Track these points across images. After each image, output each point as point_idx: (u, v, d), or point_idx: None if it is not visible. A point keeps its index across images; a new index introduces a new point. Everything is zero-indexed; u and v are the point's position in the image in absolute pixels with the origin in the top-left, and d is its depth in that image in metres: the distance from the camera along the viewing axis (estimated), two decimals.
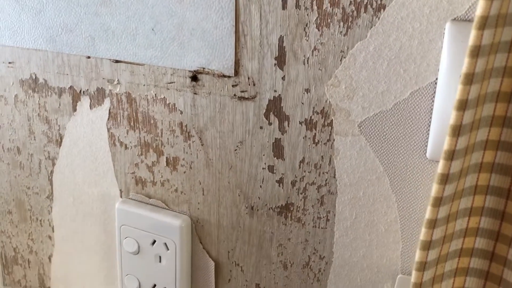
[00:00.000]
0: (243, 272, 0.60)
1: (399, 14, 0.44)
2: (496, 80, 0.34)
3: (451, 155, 0.33)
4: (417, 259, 0.37)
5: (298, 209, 0.54)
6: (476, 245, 0.38)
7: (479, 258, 0.39)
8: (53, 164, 0.68)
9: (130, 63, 0.57)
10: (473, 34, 0.31)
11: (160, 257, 0.62)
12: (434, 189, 0.34)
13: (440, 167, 0.34)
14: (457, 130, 0.33)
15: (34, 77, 0.65)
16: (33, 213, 0.73)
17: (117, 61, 0.58)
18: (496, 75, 0.34)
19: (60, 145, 0.66)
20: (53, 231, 0.72)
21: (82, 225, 0.69)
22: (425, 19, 0.43)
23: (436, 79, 0.44)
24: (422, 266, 0.36)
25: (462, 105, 0.32)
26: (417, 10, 0.43)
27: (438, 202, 0.34)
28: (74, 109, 0.63)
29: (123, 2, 0.55)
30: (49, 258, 0.74)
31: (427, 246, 0.36)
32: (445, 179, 0.34)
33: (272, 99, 0.52)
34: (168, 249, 0.61)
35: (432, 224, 0.35)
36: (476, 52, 0.31)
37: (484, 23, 0.31)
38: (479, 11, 0.30)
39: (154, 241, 0.61)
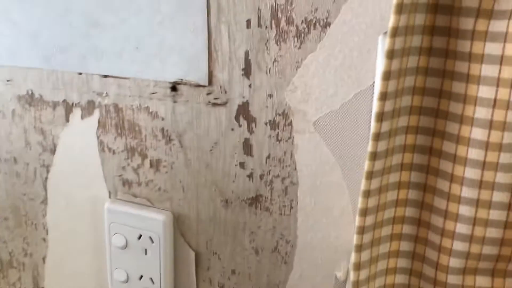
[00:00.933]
0: (220, 260, 0.68)
1: (341, 30, 0.53)
2: (411, 77, 0.43)
3: (377, 137, 0.42)
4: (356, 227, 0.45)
5: (266, 199, 0.62)
6: (406, 213, 0.47)
7: (409, 224, 0.47)
8: (48, 171, 0.75)
9: (117, 77, 0.66)
10: (387, 41, 0.40)
11: (146, 250, 0.69)
12: (365, 165, 0.43)
13: (369, 147, 0.43)
14: (380, 117, 0.42)
15: (30, 93, 0.73)
16: (28, 218, 0.80)
17: (105, 76, 0.67)
18: (410, 73, 0.43)
19: (54, 153, 0.74)
20: (47, 234, 0.79)
21: (74, 226, 0.76)
22: (363, 33, 0.52)
23: (374, 82, 0.53)
24: (361, 231, 0.45)
25: (383, 96, 0.41)
26: (356, 26, 0.53)
27: (369, 175, 0.43)
28: (67, 120, 0.71)
29: (111, 24, 0.64)
30: (43, 259, 0.81)
31: (363, 213, 0.44)
32: (373, 157, 0.43)
33: (241, 104, 0.60)
34: (153, 242, 0.68)
35: (367, 194, 0.44)
36: (391, 54, 0.40)
37: (395, 32, 0.40)
38: (390, 23, 0.40)
39: (140, 236, 0.69)
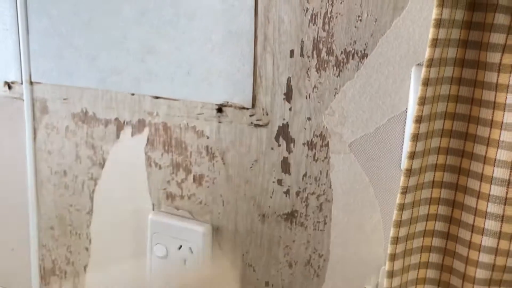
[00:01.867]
0: (255, 271, 0.72)
1: (378, 61, 0.59)
2: (443, 103, 0.48)
3: (412, 155, 0.47)
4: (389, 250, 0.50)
5: (301, 215, 0.67)
6: (436, 227, 0.51)
7: (438, 238, 0.52)
8: (95, 184, 0.81)
9: (168, 98, 0.72)
10: (423, 70, 0.46)
11: (185, 260, 0.74)
12: (401, 181, 0.48)
13: (404, 165, 0.47)
14: (415, 137, 0.47)
15: (84, 111, 0.79)
16: (73, 228, 0.85)
17: (157, 97, 0.73)
18: (443, 100, 0.48)
19: (102, 168, 0.80)
20: (90, 243, 0.84)
21: (117, 237, 0.82)
22: (397, 64, 0.58)
23: (406, 108, 0.58)
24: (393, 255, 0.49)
25: (418, 119, 0.46)
26: (391, 58, 0.58)
27: (404, 190, 0.48)
28: (118, 137, 0.77)
29: (166, 51, 0.71)
30: (84, 268, 0.86)
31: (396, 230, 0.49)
32: (408, 173, 0.48)
33: (281, 125, 0.66)
34: (192, 253, 0.73)
35: (401, 207, 0.48)
36: (426, 82, 0.46)
37: (430, 63, 0.45)
38: (426, 54, 0.45)
39: (181, 246, 0.74)
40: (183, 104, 0.71)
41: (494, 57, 0.46)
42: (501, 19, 0.44)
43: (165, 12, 0.69)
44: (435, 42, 0.45)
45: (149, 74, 0.73)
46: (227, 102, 0.68)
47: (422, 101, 0.46)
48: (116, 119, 0.77)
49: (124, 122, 0.76)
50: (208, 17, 0.67)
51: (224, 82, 0.68)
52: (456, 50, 0.47)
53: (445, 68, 0.47)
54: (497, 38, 0.45)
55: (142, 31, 0.71)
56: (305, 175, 0.66)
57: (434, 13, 0.44)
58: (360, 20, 0.59)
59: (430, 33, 0.45)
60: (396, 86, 0.59)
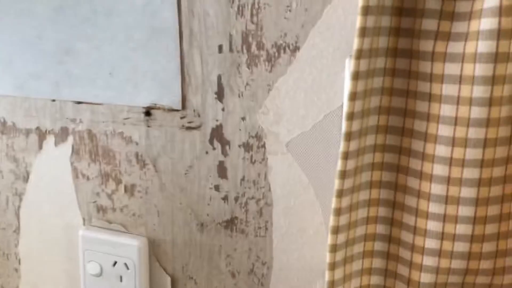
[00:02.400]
0: (197, 284, 0.67)
1: (310, 53, 0.55)
2: (376, 97, 0.45)
3: (345, 156, 0.43)
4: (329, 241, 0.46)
5: (241, 221, 0.63)
6: (377, 230, 0.48)
7: (379, 241, 0.48)
8: (20, 200, 0.74)
9: (91, 103, 0.66)
10: (352, 63, 0.42)
11: (121, 276, 0.68)
12: (335, 183, 0.44)
13: (338, 166, 0.44)
14: (348, 136, 0.43)
15: (2, 121, 0.72)
16: (0, 248, 0.78)
17: (79, 102, 0.67)
18: (376, 93, 0.45)
19: (27, 181, 0.73)
20: (19, 264, 0.78)
21: (47, 255, 0.75)
22: (330, 56, 0.54)
23: (342, 103, 0.54)
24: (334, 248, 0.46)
25: (350, 116, 0.43)
26: (324, 50, 0.54)
27: (340, 193, 0.44)
28: (40, 147, 0.71)
29: (85, 51, 0.64)
30: None
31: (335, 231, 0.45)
32: (343, 175, 0.44)
33: (214, 127, 0.61)
34: (128, 269, 0.67)
35: (337, 212, 0.44)
36: (356, 76, 0.42)
37: (359, 55, 0.41)
38: (354, 46, 0.41)
39: (115, 262, 0.68)
40: (107, 108, 0.65)
41: (427, 45, 0.42)
42: (432, 3, 0.41)
43: (81, 9, 0.63)
44: (363, 31, 0.41)
45: (68, 77, 0.66)
46: (155, 104, 0.63)
47: (353, 96, 0.42)
48: (37, 128, 0.70)
49: (46, 131, 0.70)
50: (128, 13, 0.61)
51: (150, 83, 0.62)
52: (387, 39, 0.44)
53: (376, 59, 0.43)
54: (429, 24, 0.42)
55: (57, 30, 0.65)
56: (243, 179, 0.61)
57: (360, 2, 0.40)
58: (290, 11, 0.55)
59: (358, 21, 0.41)
60: (331, 80, 0.55)
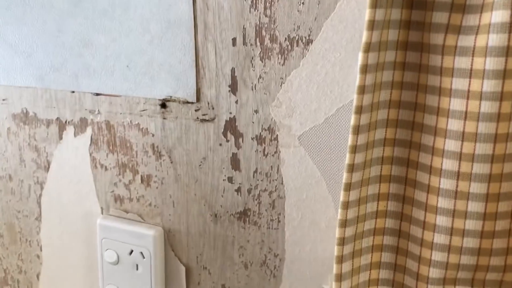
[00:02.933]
0: (210, 274, 0.68)
1: (323, 47, 0.55)
2: (386, 91, 0.44)
3: (353, 150, 0.43)
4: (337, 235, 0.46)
5: (254, 213, 0.63)
6: (386, 225, 0.48)
7: (389, 235, 0.48)
8: (42, 188, 0.77)
9: (109, 95, 0.67)
10: (360, 56, 0.41)
11: (137, 265, 0.70)
12: (344, 177, 0.44)
13: (346, 160, 0.44)
14: (356, 130, 0.43)
15: (25, 111, 0.74)
16: (23, 235, 0.81)
17: (97, 94, 0.68)
18: (385, 87, 0.44)
19: (47, 171, 0.75)
20: (41, 250, 0.80)
21: (67, 243, 0.77)
22: (344, 50, 0.54)
23: None
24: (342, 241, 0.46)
25: (358, 110, 0.42)
26: (337, 43, 0.54)
27: (348, 187, 0.44)
28: (60, 138, 0.73)
29: (103, 44, 0.66)
30: (37, 276, 0.82)
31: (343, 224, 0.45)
32: (351, 169, 0.44)
33: (228, 120, 0.62)
34: (144, 257, 0.69)
35: (346, 205, 0.45)
36: (364, 69, 0.42)
37: (368, 48, 0.41)
38: (363, 38, 0.41)
39: (132, 251, 0.70)
40: (125, 100, 0.67)
41: (437, 39, 0.42)
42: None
43: (99, 2, 0.64)
44: (372, 24, 0.41)
45: (87, 69, 0.68)
46: (171, 96, 0.64)
47: (362, 89, 0.42)
48: (58, 119, 0.72)
49: (66, 122, 0.72)
50: (144, 6, 0.62)
51: (166, 75, 0.63)
52: (398, 32, 0.43)
53: (386, 53, 0.43)
54: (440, 17, 0.41)
55: (76, 23, 0.66)
56: (255, 171, 0.62)
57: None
58: (303, 3, 0.54)
59: (366, 14, 0.41)
60: (344, 73, 0.55)
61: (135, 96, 0.66)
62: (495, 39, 0.38)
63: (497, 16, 0.38)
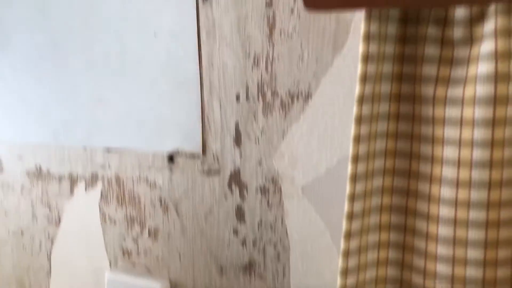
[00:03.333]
0: None
1: (322, 100, 0.57)
2: (382, 141, 0.46)
3: (352, 197, 0.44)
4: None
5: (259, 266, 0.64)
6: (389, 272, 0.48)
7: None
8: (52, 243, 0.78)
9: (119, 150, 0.70)
10: (355, 107, 0.43)
11: None
12: (343, 225, 0.45)
13: (345, 207, 0.45)
14: (353, 178, 0.44)
15: (39, 168, 0.77)
16: None
17: (108, 149, 0.71)
18: (380, 137, 0.46)
19: (58, 226, 0.77)
20: None
21: None
22: (341, 103, 0.56)
23: None
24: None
25: (355, 159, 0.44)
26: (334, 97, 0.56)
27: (348, 235, 0.45)
28: (72, 193, 0.75)
29: (115, 102, 0.69)
30: None
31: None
32: (350, 217, 0.45)
33: (232, 171, 0.63)
34: None
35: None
36: (359, 120, 0.44)
37: (361, 100, 0.43)
38: (356, 91, 0.43)
39: None
40: (134, 155, 0.69)
41: (428, 90, 0.44)
42: (432, 49, 0.43)
43: (112, 63, 0.68)
44: (364, 77, 0.43)
45: (99, 125, 0.71)
46: (178, 150, 0.66)
47: (357, 139, 0.44)
48: (70, 174, 0.74)
49: (77, 177, 0.74)
50: (154, 67, 0.66)
51: (173, 130, 0.66)
52: (390, 84, 0.45)
53: (379, 104, 0.45)
54: (430, 69, 0.43)
55: (90, 82, 0.70)
56: (260, 222, 0.63)
57: (361, 49, 0.43)
58: (302, 61, 0.57)
59: (359, 68, 0.43)
60: (342, 125, 0.56)
61: (144, 150, 0.68)
62: (483, 89, 0.40)
63: (483, 67, 0.40)
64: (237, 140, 0.62)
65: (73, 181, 0.74)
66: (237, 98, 0.62)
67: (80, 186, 0.74)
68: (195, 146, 0.65)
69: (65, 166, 0.75)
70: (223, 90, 0.62)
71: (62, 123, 0.73)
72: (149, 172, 0.68)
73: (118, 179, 0.71)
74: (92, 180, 0.73)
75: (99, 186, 0.72)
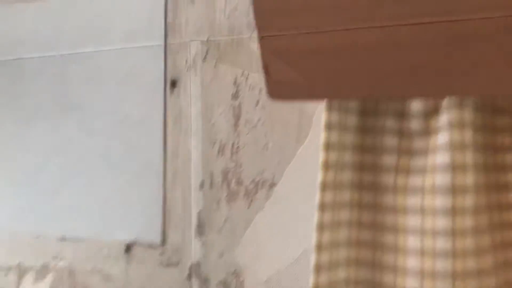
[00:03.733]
0: None
1: (286, 189, 0.57)
2: (345, 229, 0.45)
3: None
4: None
5: None
6: None
7: None
8: None
9: (74, 239, 0.67)
10: (317, 195, 0.43)
11: None
12: None
13: None
14: (317, 268, 0.43)
15: None
16: None
17: (63, 238, 0.67)
18: (344, 226, 0.45)
19: None
20: None
21: None
22: (306, 191, 0.56)
23: None
24: None
25: (319, 248, 0.43)
26: (298, 186, 0.56)
27: None
28: (19, 285, 0.69)
29: (74, 188, 0.67)
30: None
31: None
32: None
33: (193, 264, 0.60)
34: None
35: None
36: (322, 208, 0.43)
37: (324, 187, 0.43)
38: (319, 178, 0.43)
39: None
40: (90, 244, 0.66)
41: (388, 179, 0.44)
42: (390, 140, 0.44)
43: (75, 148, 0.67)
44: (326, 165, 0.43)
45: (56, 213, 0.68)
46: (136, 240, 0.63)
47: (321, 227, 0.43)
48: (19, 264, 0.70)
49: (26, 268, 0.69)
50: (118, 153, 0.65)
51: (133, 219, 0.64)
52: (351, 172, 0.46)
53: (341, 192, 0.45)
54: (389, 159, 0.44)
55: (52, 167, 0.68)
56: None
57: (322, 138, 0.43)
58: (267, 149, 0.58)
59: (320, 156, 0.43)
60: (307, 214, 0.56)
61: (100, 240, 0.65)
62: (441, 178, 0.41)
63: (441, 158, 0.41)
64: (199, 230, 0.61)
65: (21, 273, 0.69)
66: (201, 186, 0.61)
67: (29, 278, 0.69)
68: (155, 236, 0.62)
69: (15, 256, 0.70)
70: (186, 178, 0.61)
71: (17, 209, 0.70)
72: (104, 264, 0.65)
73: (70, 271, 0.67)
74: (42, 272, 0.68)
75: (48, 279, 0.68)
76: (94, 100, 0.66)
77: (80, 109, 0.67)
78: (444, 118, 0.42)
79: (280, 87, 0.39)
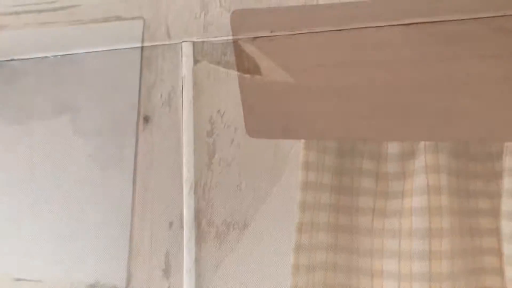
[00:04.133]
0: None
1: (259, 230, 0.56)
2: (321, 272, 0.44)
3: None
4: None
5: None
6: None
7: None
8: None
9: (31, 280, 0.63)
10: (295, 234, 0.42)
11: None
12: None
13: None
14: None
15: None
16: None
17: (18, 279, 0.63)
18: (320, 268, 0.44)
19: None
20: None
21: None
22: (279, 231, 0.55)
23: None
24: None
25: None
26: (271, 226, 0.55)
27: None
28: None
29: (33, 227, 0.63)
30: None
31: None
32: None
33: None
34: None
35: None
36: (298, 249, 0.42)
37: (300, 228, 0.42)
38: (296, 219, 0.43)
39: None
40: (48, 286, 0.62)
41: (365, 221, 0.44)
42: (366, 182, 0.44)
43: (40, 183, 0.64)
44: (304, 206, 0.43)
45: (10, 251, 0.64)
46: (99, 281, 0.60)
47: (296, 269, 0.42)
48: None
49: None
50: (85, 188, 0.62)
51: (95, 258, 0.61)
52: (327, 214, 0.45)
53: (318, 233, 0.44)
54: (366, 201, 0.44)
55: (10, 202, 0.65)
56: None
57: (299, 177, 0.43)
58: (240, 190, 0.57)
59: (298, 196, 0.43)
60: (280, 255, 0.54)
61: (60, 281, 0.61)
62: (418, 221, 0.41)
63: (417, 201, 0.41)
64: (167, 272, 0.58)
65: None
66: (170, 225, 0.59)
67: None
68: (119, 276, 0.59)
69: None
70: (156, 216, 0.59)
71: None
72: None
73: None
74: None
75: None
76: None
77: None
78: (420, 162, 0.42)
79: (259, 124, 0.38)
